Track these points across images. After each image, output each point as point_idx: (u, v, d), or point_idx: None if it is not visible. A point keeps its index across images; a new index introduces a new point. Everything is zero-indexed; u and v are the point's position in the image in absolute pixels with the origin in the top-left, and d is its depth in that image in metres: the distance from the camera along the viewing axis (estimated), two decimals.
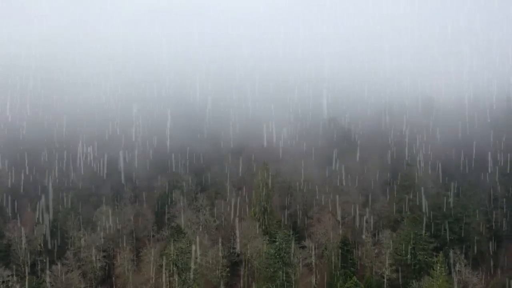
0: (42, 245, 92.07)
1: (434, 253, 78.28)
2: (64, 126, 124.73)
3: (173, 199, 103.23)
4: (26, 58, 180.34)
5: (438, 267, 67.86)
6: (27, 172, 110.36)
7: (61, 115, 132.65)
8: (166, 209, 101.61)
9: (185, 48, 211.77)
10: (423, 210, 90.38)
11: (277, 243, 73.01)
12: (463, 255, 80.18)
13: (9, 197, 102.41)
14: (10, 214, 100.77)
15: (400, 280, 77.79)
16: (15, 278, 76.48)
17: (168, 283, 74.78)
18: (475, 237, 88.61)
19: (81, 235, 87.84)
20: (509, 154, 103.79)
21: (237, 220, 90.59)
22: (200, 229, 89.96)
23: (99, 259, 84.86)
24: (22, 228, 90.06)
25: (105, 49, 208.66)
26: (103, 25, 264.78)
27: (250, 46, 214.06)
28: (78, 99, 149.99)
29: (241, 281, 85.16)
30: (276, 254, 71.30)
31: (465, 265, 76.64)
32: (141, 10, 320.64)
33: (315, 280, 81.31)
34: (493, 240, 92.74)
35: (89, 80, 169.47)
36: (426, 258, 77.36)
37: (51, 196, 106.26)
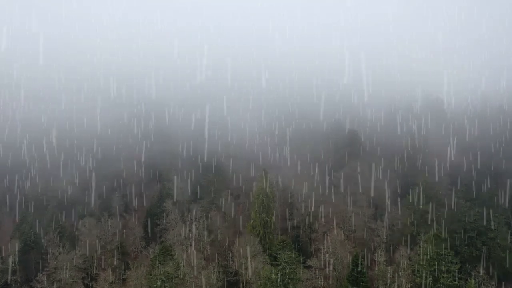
0: (16, 262, 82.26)
1: (459, 275, 68.65)
2: (46, 131, 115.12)
3: (164, 209, 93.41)
4: None
5: None
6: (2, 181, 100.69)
7: (42, 120, 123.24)
8: (157, 221, 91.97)
9: (180, 48, 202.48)
10: (442, 224, 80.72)
11: (280, 266, 62.75)
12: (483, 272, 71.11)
13: None
14: None
15: None
16: None
17: None
18: (501, 254, 78.86)
19: (58, 253, 77.86)
20: None
21: (234, 234, 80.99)
22: (193, 245, 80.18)
23: (76, 281, 74.79)
24: None
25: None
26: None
27: (249, 45, 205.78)
28: (62, 102, 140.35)
29: None
30: (279, 281, 61.17)
31: None
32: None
33: None
34: None
35: (76, 83, 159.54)
36: (451, 281, 67.33)
37: (26, 207, 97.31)
